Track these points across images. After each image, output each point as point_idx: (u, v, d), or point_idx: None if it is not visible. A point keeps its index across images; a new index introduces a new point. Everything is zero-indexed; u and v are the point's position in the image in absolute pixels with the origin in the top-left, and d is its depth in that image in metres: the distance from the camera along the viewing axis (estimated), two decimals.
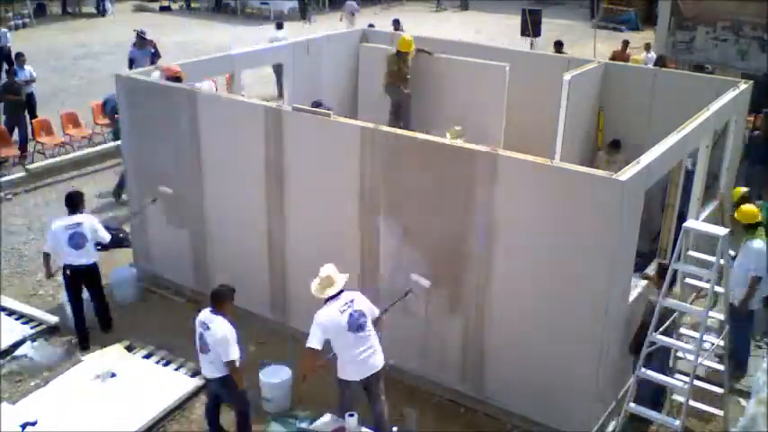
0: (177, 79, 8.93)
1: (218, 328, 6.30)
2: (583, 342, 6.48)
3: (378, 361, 6.40)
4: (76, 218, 8.03)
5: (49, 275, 8.36)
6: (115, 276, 9.19)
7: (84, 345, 8.23)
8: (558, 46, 16.68)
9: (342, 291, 6.36)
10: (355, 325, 6.26)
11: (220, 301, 6.48)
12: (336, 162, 7.50)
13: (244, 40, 17.83)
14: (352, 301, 6.33)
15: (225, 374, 6.43)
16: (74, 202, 8.16)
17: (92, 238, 8.02)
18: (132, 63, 15.16)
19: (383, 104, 11.15)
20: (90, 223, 8.07)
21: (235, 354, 6.35)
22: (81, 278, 8.11)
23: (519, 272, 6.67)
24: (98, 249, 10.32)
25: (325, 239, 7.80)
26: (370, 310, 6.46)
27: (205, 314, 6.47)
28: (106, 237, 8.21)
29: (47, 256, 8.17)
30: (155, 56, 15.83)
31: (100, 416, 7.08)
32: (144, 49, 15.53)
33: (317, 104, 9.82)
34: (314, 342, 6.19)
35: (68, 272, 8.03)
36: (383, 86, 11.13)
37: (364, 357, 6.32)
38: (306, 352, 6.22)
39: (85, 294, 8.31)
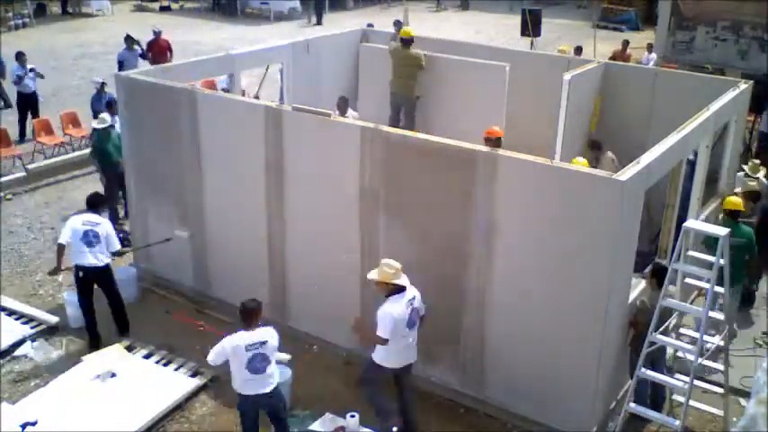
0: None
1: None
2: (583, 342, 6.48)
3: (414, 354, 6.66)
4: (95, 217, 8.04)
5: (58, 270, 8.29)
6: (115, 277, 9.18)
7: (95, 347, 8.14)
8: (578, 51, 16.66)
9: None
10: (412, 322, 6.48)
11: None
12: (336, 162, 7.50)
13: (246, 39, 17.80)
14: (414, 299, 6.50)
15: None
16: (95, 203, 8.22)
17: (104, 241, 7.97)
18: (122, 65, 15.26)
19: (383, 104, 11.14)
20: (105, 227, 8.04)
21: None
22: (93, 280, 8.07)
23: (519, 272, 6.68)
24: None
25: (325, 239, 7.80)
26: (422, 308, 6.65)
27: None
28: (116, 245, 8.14)
29: (61, 247, 8.05)
30: (142, 56, 15.99)
31: (100, 416, 7.08)
32: (133, 51, 15.77)
33: (344, 100, 10.08)
34: (385, 332, 6.33)
35: (80, 273, 7.98)
36: (396, 90, 10.96)
37: (407, 350, 6.57)
38: (376, 339, 6.38)
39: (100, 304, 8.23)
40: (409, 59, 10.70)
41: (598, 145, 9.99)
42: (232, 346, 6.16)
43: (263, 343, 6.20)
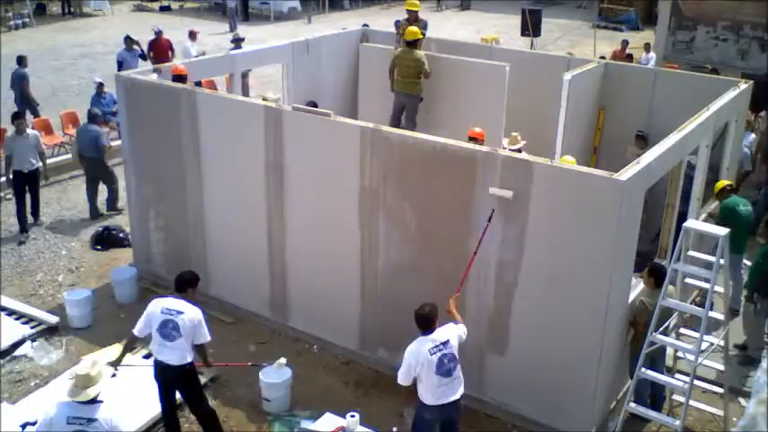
0: (181, 78, 8.94)
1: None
2: (583, 342, 6.48)
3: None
4: (178, 304, 6.38)
5: (118, 363, 6.64)
6: (115, 276, 9.19)
7: None
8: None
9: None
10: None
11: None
12: (336, 162, 7.50)
13: (246, 39, 17.78)
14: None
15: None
16: (181, 284, 6.51)
17: (188, 334, 6.31)
18: (121, 65, 15.28)
19: (383, 104, 11.13)
20: (191, 317, 6.34)
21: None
22: (171, 381, 6.53)
23: (519, 272, 6.67)
24: (97, 249, 10.44)
25: (326, 239, 7.81)
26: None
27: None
28: (206, 337, 6.45)
29: (131, 339, 6.62)
30: (142, 57, 16.02)
31: None
32: (132, 51, 15.79)
33: (313, 104, 9.77)
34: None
35: (157, 369, 6.51)
36: (400, 89, 10.92)
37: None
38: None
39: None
40: (411, 63, 10.71)
41: (645, 139, 9.88)
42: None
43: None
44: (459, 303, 6.60)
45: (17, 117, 11.17)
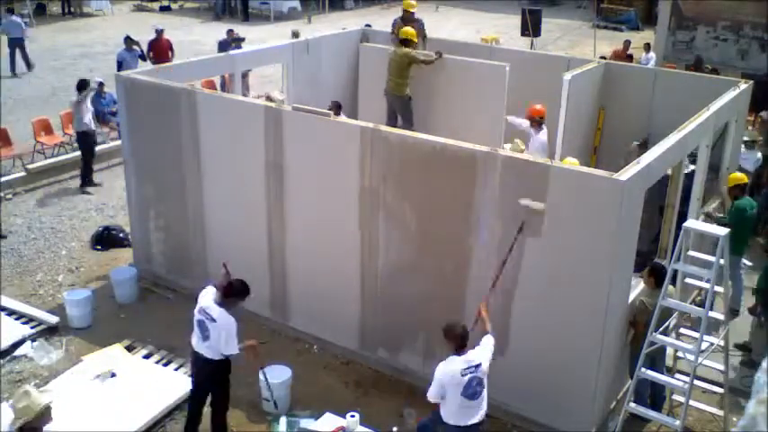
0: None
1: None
2: (583, 342, 6.48)
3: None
4: (215, 311, 6.32)
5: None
6: (115, 276, 9.19)
7: None
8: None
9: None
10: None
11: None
12: (336, 162, 7.50)
13: (246, 39, 17.79)
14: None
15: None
16: (230, 292, 6.42)
17: (216, 340, 6.34)
18: (121, 65, 15.29)
19: (383, 104, 11.15)
20: (222, 327, 6.29)
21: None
22: (202, 371, 6.58)
23: (519, 272, 6.67)
24: (97, 249, 10.44)
25: (326, 239, 7.80)
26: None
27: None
28: (231, 351, 6.38)
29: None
30: (142, 57, 16.06)
31: (100, 416, 7.08)
32: (132, 51, 15.82)
33: (337, 105, 9.85)
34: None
35: (192, 357, 6.70)
36: (388, 90, 10.97)
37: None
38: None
39: None
40: (398, 57, 10.73)
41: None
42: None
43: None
44: (490, 309, 6.58)
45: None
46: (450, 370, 5.81)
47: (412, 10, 11.56)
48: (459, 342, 5.89)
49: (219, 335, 6.28)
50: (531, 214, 6.43)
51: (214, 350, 6.36)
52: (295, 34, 15.49)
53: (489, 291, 6.65)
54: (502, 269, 6.61)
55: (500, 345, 6.94)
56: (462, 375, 5.79)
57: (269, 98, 9.68)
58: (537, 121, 9.84)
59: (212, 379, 6.58)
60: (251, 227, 8.32)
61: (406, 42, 10.80)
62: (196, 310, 6.44)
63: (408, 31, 10.92)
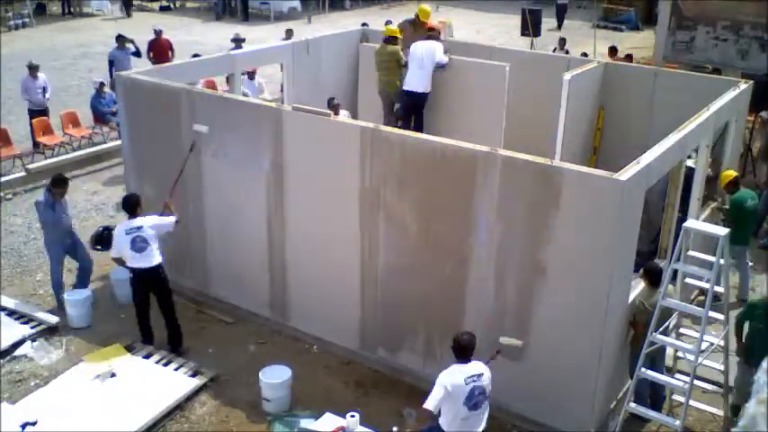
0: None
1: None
2: (583, 342, 6.48)
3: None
4: (136, 221, 7.76)
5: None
6: (115, 276, 9.18)
7: (148, 341, 8.16)
8: (562, 43, 16.78)
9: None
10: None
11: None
12: (336, 162, 7.50)
13: (246, 39, 17.79)
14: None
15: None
16: (131, 205, 7.87)
17: (154, 238, 7.76)
18: (112, 64, 15.25)
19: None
20: (149, 224, 7.77)
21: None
22: (147, 282, 7.85)
23: (518, 272, 6.67)
24: (97, 249, 10.43)
25: (326, 239, 7.80)
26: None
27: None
28: (170, 222, 7.92)
29: (117, 260, 7.96)
30: (136, 55, 16.00)
31: (100, 416, 7.08)
32: (124, 50, 15.74)
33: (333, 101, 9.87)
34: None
35: (132, 274, 7.85)
36: (384, 89, 10.94)
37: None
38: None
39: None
40: (385, 56, 10.73)
41: None
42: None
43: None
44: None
45: None
46: (453, 378, 5.74)
47: (426, 20, 11.17)
48: (463, 352, 5.85)
49: (154, 230, 7.72)
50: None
51: (152, 255, 7.69)
52: (288, 33, 15.51)
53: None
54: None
55: (500, 344, 6.95)
56: (466, 384, 5.74)
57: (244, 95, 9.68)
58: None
59: (156, 281, 7.84)
60: (251, 227, 8.31)
61: (388, 40, 10.77)
62: (122, 235, 7.67)
63: (391, 28, 10.92)
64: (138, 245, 7.67)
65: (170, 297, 8.04)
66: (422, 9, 11.10)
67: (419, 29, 11.16)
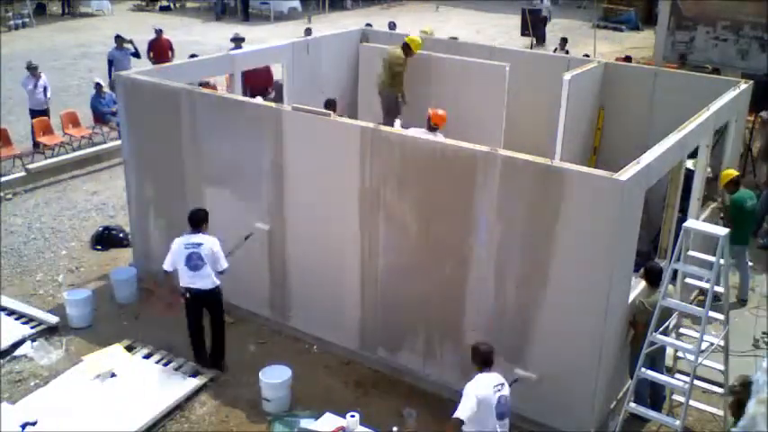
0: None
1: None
2: (583, 342, 6.48)
3: None
4: (197, 237, 7.45)
5: (183, 295, 7.59)
6: (115, 276, 9.19)
7: (203, 363, 7.86)
8: (563, 42, 16.80)
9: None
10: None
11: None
12: (336, 162, 7.50)
13: (246, 39, 17.78)
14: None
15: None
16: (196, 221, 7.53)
17: (210, 261, 7.42)
18: (111, 64, 15.24)
19: None
20: (210, 246, 7.43)
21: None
22: (201, 303, 7.60)
23: (519, 272, 6.67)
24: (97, 249, 10.45)
25: (326, 239, 7.80)
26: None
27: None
28: (223, 264, 7.51)
29: (166, 273, 7.64)
30: (135, 55, 16.00)
31: (100, 416, 7.08)
32: (123, 50, 15.75)
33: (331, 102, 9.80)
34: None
35: (188, 295, 7.53)
36: (382, 89, 10.98)
37: None
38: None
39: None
40: (390, 59, 10.74)
41: None
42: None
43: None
44: None
45: None
46: (483, 387, 5.70)
47: (417, 50, 10.77)
48: (485, 359, 5.87)
49: (212, 253, 7.41)
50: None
51: (209, 276, 7.40)
52: (307, 32, 15.15)
53: None
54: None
55: (500, 345, 6.95)
56: (494, 393, 5.73)
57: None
58: (432, 128, 9.40)
59: (211, 303, 7.62)
60: (251, 227, 8.31)
61: (406, 47, 10.76)
62: (180, 249, 7.41)
63: (415, 39, 10.86)
64: (194, 262, 7.38)
65: (222, 317, 7.78)
66: (412, 40, 10.79)
67: (410, 57, 10.78)
